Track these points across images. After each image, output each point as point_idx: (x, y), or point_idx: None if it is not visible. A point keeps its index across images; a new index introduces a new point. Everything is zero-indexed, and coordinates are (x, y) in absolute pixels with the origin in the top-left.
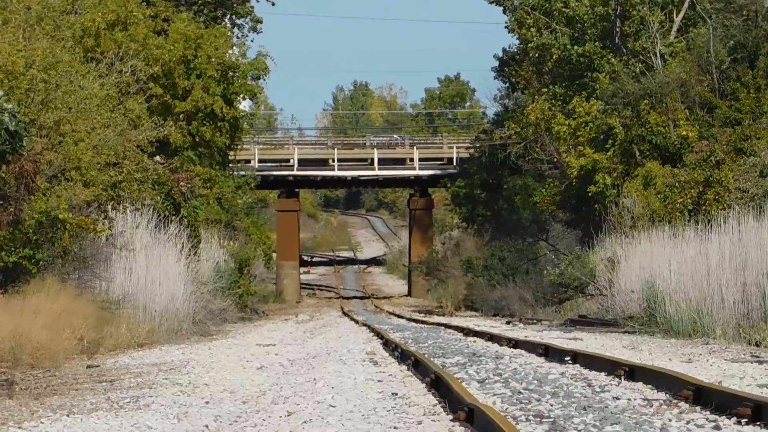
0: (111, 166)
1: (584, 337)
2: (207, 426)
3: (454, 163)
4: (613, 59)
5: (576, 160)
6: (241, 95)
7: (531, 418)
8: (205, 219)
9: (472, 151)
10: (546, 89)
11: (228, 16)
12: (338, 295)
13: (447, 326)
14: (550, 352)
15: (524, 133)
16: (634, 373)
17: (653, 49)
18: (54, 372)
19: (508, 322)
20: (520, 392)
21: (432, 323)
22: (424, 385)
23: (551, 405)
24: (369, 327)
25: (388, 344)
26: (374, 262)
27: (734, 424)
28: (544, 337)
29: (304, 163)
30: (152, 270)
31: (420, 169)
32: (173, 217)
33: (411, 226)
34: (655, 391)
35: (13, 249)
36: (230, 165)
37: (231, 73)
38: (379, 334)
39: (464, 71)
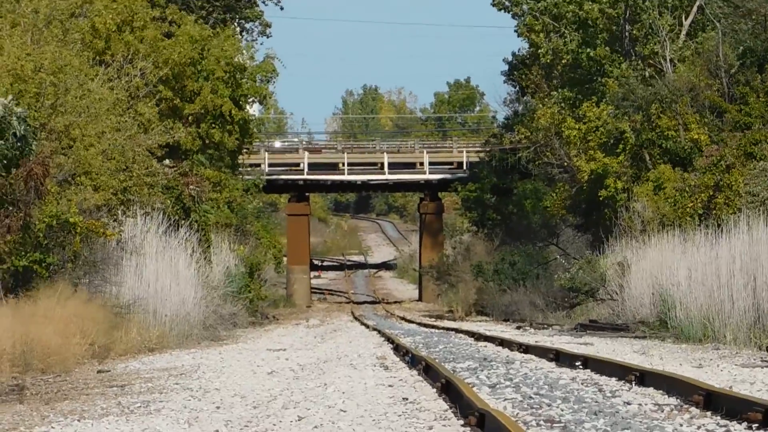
0: (121, 171)
1: (595, 342)
2: (218, 431)
3: (464, 168)
4: (622, 63)
5: (586, 164)
6: (250, 98)
7: (542, 423)
8: (216, 223)
9: (482, 155)
10: (556, 92)
11: (236, 21)
12: (349, 300)
13: (457, 331)
14: (560, 357)
15: (534, 137)
16: (644, 378)
17: (662, 53)
18: (64, 377)
19: (518, 327)
20: (530, 397)
21: (442, 328)
22: (434, 389)
23: (562, 410)
24: (379, 331)
25: (398, 349)
26: (385, 266)
27: (745, 429)
28: (554, 341)
29: (314, 167)
30: (162, 274)
31: (430, 173)
32: (183, 221)
33: (421, 231)
34: (666, 396)
35: (23, 253)
36: (240, 168)
37: (239, 76)
38: (389, 339)
39: (474, 75)
